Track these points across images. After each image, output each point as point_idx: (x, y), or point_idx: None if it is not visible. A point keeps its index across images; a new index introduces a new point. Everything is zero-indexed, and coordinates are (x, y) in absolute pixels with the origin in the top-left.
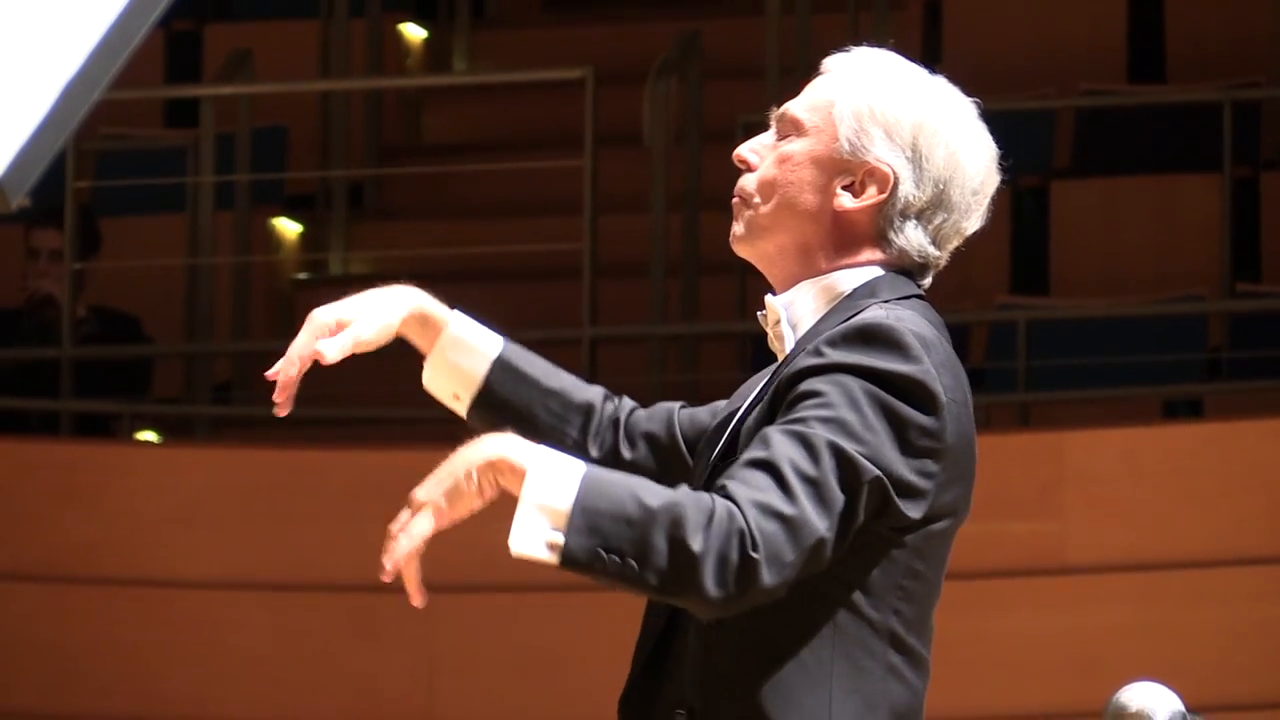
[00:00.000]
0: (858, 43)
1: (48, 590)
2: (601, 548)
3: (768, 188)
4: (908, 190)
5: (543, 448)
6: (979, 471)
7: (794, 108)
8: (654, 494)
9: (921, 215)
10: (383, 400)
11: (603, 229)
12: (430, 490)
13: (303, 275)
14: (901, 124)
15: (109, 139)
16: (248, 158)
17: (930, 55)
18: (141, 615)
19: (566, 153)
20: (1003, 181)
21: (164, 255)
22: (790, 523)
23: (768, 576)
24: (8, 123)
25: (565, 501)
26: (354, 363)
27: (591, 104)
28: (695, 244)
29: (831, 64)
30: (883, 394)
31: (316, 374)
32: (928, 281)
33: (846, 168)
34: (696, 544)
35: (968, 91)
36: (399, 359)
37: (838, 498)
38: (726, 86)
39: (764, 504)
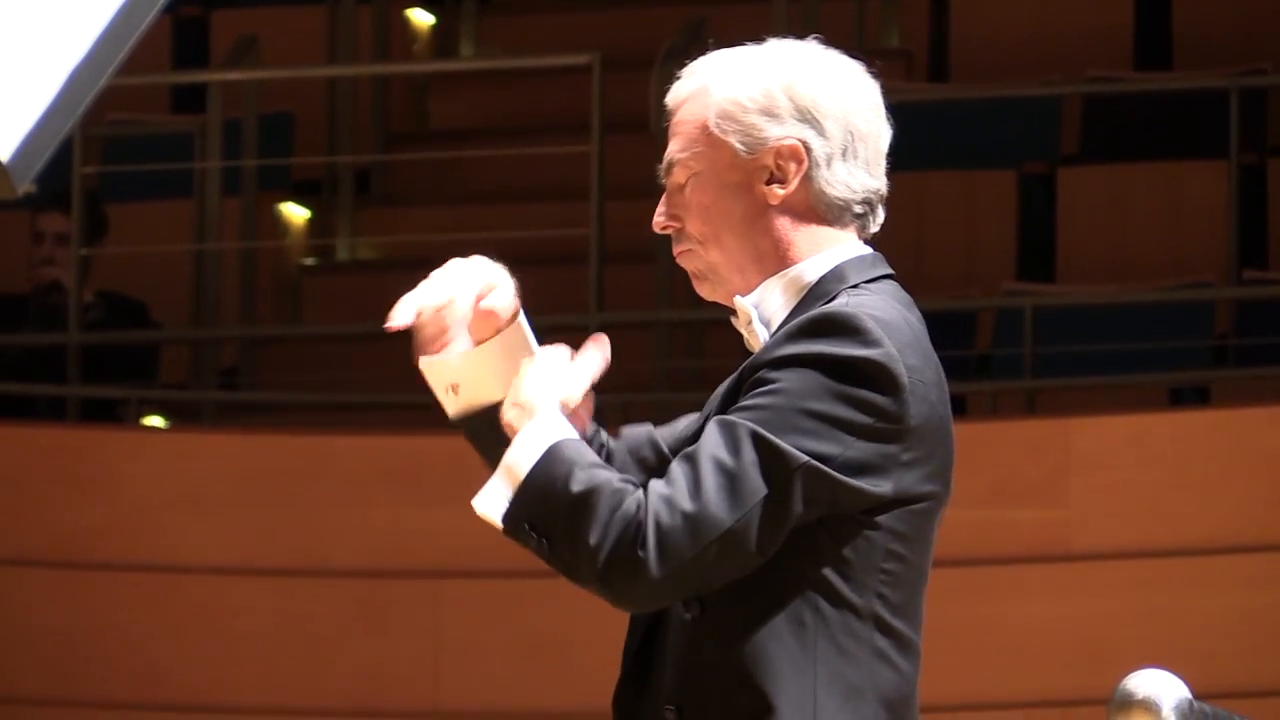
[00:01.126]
0: (865, 28)
1: (54, 575)
2: (526, 521)
3: (703, 228)
4: (820, 146)
5: (549, 404)
6: (985, 458)
7: (676, 154)
8: (586, 479)
9: (845, 156)
10: (389, 385)
11: (610, 214)
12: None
13: (309, 261)
14: (772, 95)
15: (116, 124)
16: (255, 143)
17: (937, 41)
18: (147, 600)
19: (573, 138)
20: (1009, 168)
21: (171, 241)
22: (690, 518)
23: (657, 569)
24: (14, 108)
25: (525, 469)
26: (360, 347)
27: (598, 89)
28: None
29: (675, 97)
30: (837, 379)
31: (323, 359)
32: (879, 219)
33: (757, 164)
34: (593, 537)
35: (975, 79)
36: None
37: (756, 489)
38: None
39: (669, 498)
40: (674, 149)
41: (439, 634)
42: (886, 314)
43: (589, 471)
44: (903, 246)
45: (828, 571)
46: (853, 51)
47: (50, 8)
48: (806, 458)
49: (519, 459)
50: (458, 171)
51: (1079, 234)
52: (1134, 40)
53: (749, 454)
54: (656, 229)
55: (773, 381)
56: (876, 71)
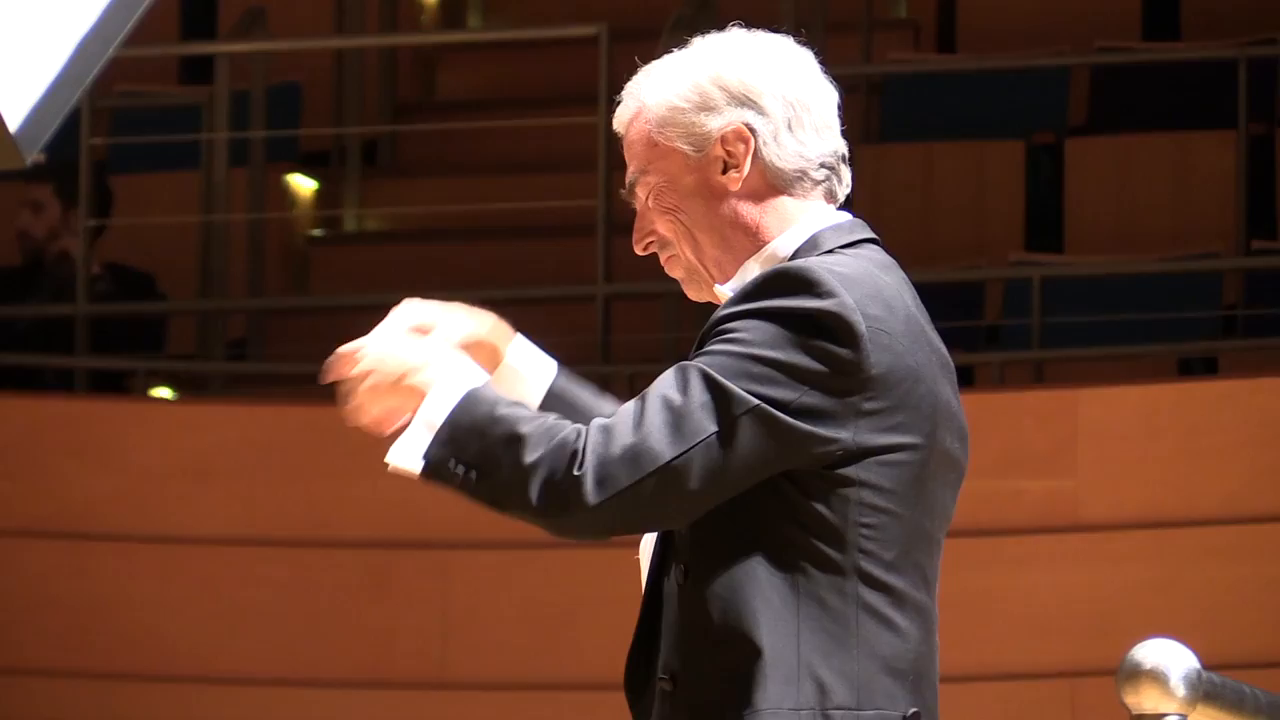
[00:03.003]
0: (871, 9)
1: (62, 546)
2: (453, 457)
3: (678, 234)
4: (762, 124)
5: (456, 364)
6: (993, 429)
7: (632, 175)
8: (517, 416)
9: (791, 127)
10: None
11: (616, 186)
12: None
13: (317, 232)
14: (702, 89)
15: (124, 96)
16: (262, 115)
17: (945, 15)
18: (154, 571)
19: (581, 109)
20: (1017, 138)
21: (178, 212)
22: (630, 448)
23: (593, 495)
24: (22, 79)
25: (441, 417)
26: (367, 318)
27: (606, 61)
28: None
29: (618, 121)
30: (790, 329)
31: (330, 330)
32: (845, 181)
33: (708, 159)
34: (528, 458)
35: (983, 49)
36: None
37: (702, 427)
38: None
39: (609, 429)
40: (631, 171)
41: (446, 605)
42: (848, 269)
43: (514, 407)
44: (910, 217)
45: (804, 529)
46: (860, 23)
47: None
48: (757, 401)
49: (434, 406)
50: (465, 142)
51: (1087, 204)
52: (1142, 10)
53: (698, 394)
54: (638, 252)
55: (728, 332)
56: (805, 40)
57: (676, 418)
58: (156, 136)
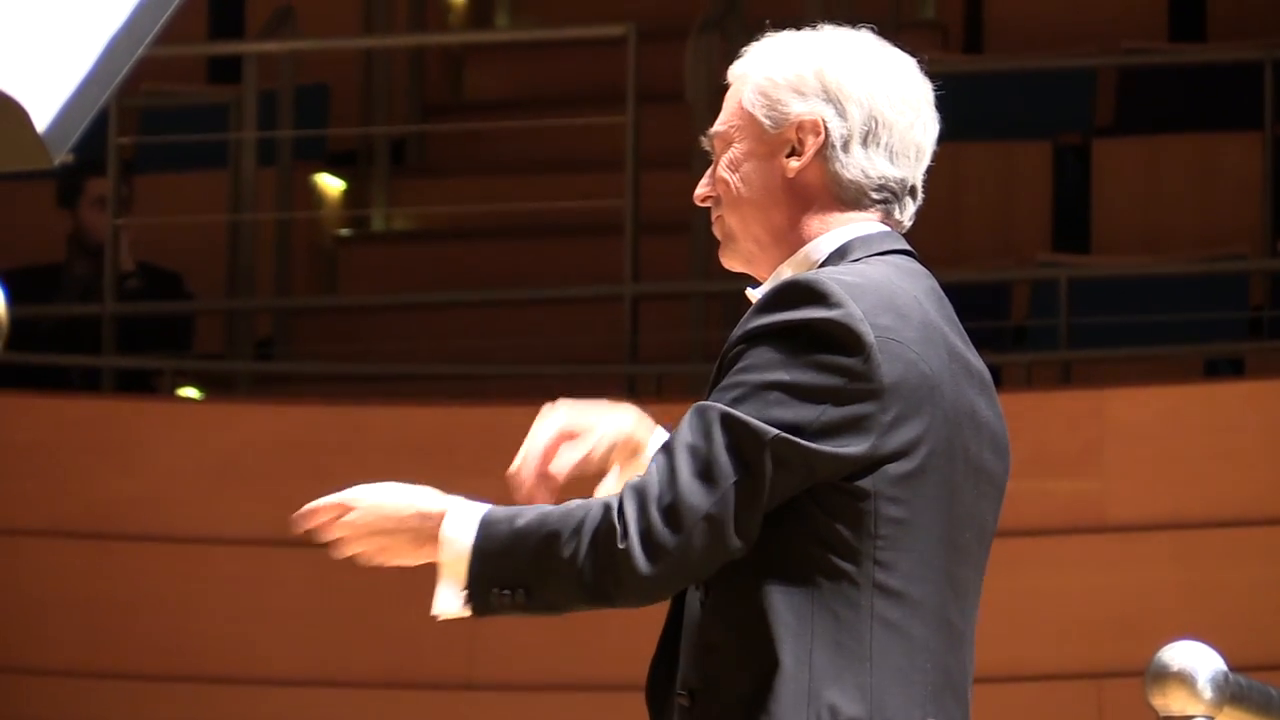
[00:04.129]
0: (899, 8)
1: (87, 546)
2: (495, 586)
3: (727, 194)
4: (838, 126)
5: (453, 503)
6: (1020, 429)
7: (715, 128)
8: (539, 520)
9: (865, 141)
10: (423, 356)
11: (644, 185)
12: (367, 520)
13: (345, 231)
14: (803, 75)
15: (152, 95)
16: (290, 114)
17: (972, 15)
18: (181, 572)
19: (608, 109)
20: (1044, 139)
21: (206, 211)
22: (669, 508)
23: (645, 565)
24: (51, 79)
25: (465, 551)
26: (394, 318)
27: (634, 60)
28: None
29: (729, 75)
30: (799, 346)
31: (357, 330)
32: (909, 211)
33: (781, 139)
34: (566, 553)
35: (1010, 50)
36: (438, 316)
37: (729, 470)
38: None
39: (643, 493)
40: (718, 122)
41: None
42: (860, 279)
43: (531, 513)
44: (938, 218)
45: (820, 544)
46: (888, 24)
47: None
48: (776, 430)
49: (454, 550)
50: (493, 142)
51: (1114, 205)
52: (1168, 12)
53: (720, 436)
54: (696, 200)
55: (742, 359)
56: (924, 65)
57: (704, 466)
58: (184, 136)
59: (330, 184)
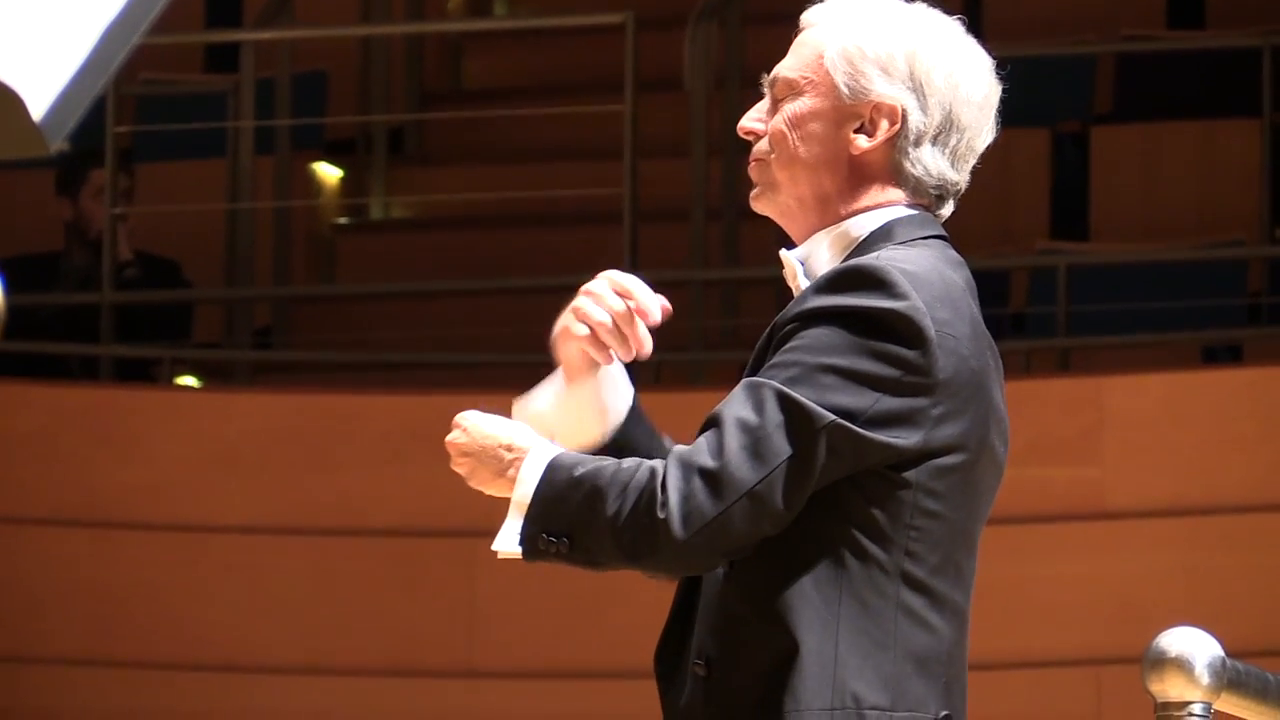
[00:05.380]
0: None
1: (88, 535)
2: (544, 532)
3: (782, 147)
4: (917, 119)
5: (536, 444)
6: (1019, 417)
7: (785, 70)
8: (591, 468)
9: (936, 140)
10: (423, 344)
11: (643, 173)
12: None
13: (343, 220)
14: (895, 56)
15: (149, 84)
16: (288, 102)
17: (971, 3)
18: (181, 560)
19: (607, 97)
20: (1043, 126)
21: (204, 200)
22: (711, 477)
23: (681, 533)
24: (47, 67)
25: (528, 495)
26: (393, 306)
27: (632, 48)
28: (735, 188)
29: (810, 17)
30: (861, 333)
31: (356, 318)
32: (949, 209)
33: (854, 112)
34: (610, 510)
35: (1009, 37)
36: (437, 305)
37: (780, 449)
38: (767, 31)
39: (688, 462)
40: (786, 64)
41: (473, 593)
42: (918, 268)
43: (591, 464)
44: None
45: (854, 526)
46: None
47: None
48: (832, 415)
49: (522, 490)
50: (491, 131)
51: (1112, 192)
52: None
53: (774, 414)
54: (740, 132)
55: (798, 337)
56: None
57: (754, 441)
58: (182, 124)
59: (328, 172)
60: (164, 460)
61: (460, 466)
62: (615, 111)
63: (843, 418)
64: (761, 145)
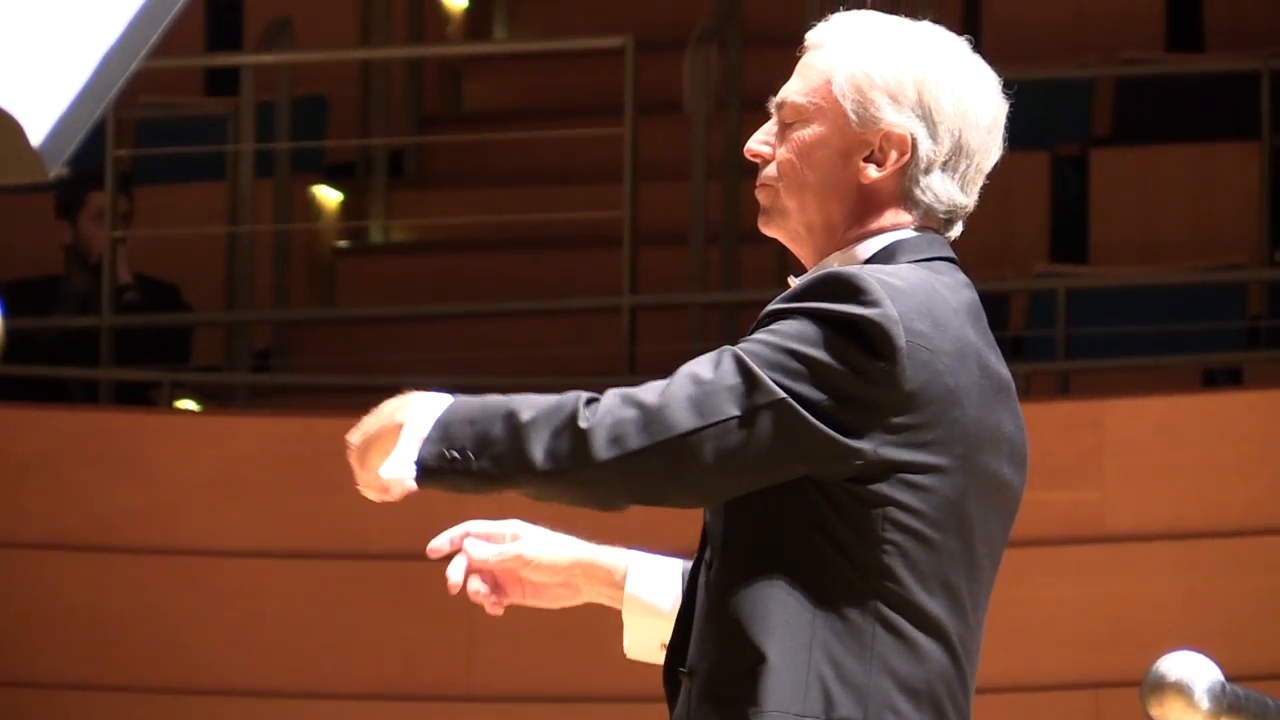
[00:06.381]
0: (898, 9)
1: (86, 559)
2: (445, 449)
3: (791, 175)
4: (926, 147)
5: (431, 394)
6: None
7: (792, 95)
8: (510, 398)
9: (945, 167)
10: (422, 368)
11: (643, 197)
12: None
13: (343, 243)
14: (903, 84)
15: (149, 107)
16: (288, 126)
17: (970, 24)
18: (180, 584)
19: (607, 120)
20: (1042, 150)
21: (204, 223)
22: (646, 411)
23: (602, 450)
24: (47, 90)
25: (428, 426)
26: (393, 329)
27: (632, 71)
28: (735, 211)
29: (816, 38)
30: (828, 332)
31: (356, 341)
32: (957, 230)
33: (862, 140)
34: (525, 418)
35: (1007, 60)
36: (437, 328)
37: (724, 408)
38: (767, 54)
39: (629, 394)
40: (793, 88)
41: (474, 617)
42: (903, 281)
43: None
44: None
45: (830, 540)
46: None
47: None
48: (784, 394)
49: (418, 421)
50: (491, 154)
51: (1112, 216)
52: (1166, 22)
53: (728, 376)
54: (747, 154)
55: (767, 330)
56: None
57: (700, 394)
58: (182, 148)
59: (328, 195)
60: (163, 483)
61: (357, 460)
62: (615, 134)
63: (796, 401)
64: (769, 171)
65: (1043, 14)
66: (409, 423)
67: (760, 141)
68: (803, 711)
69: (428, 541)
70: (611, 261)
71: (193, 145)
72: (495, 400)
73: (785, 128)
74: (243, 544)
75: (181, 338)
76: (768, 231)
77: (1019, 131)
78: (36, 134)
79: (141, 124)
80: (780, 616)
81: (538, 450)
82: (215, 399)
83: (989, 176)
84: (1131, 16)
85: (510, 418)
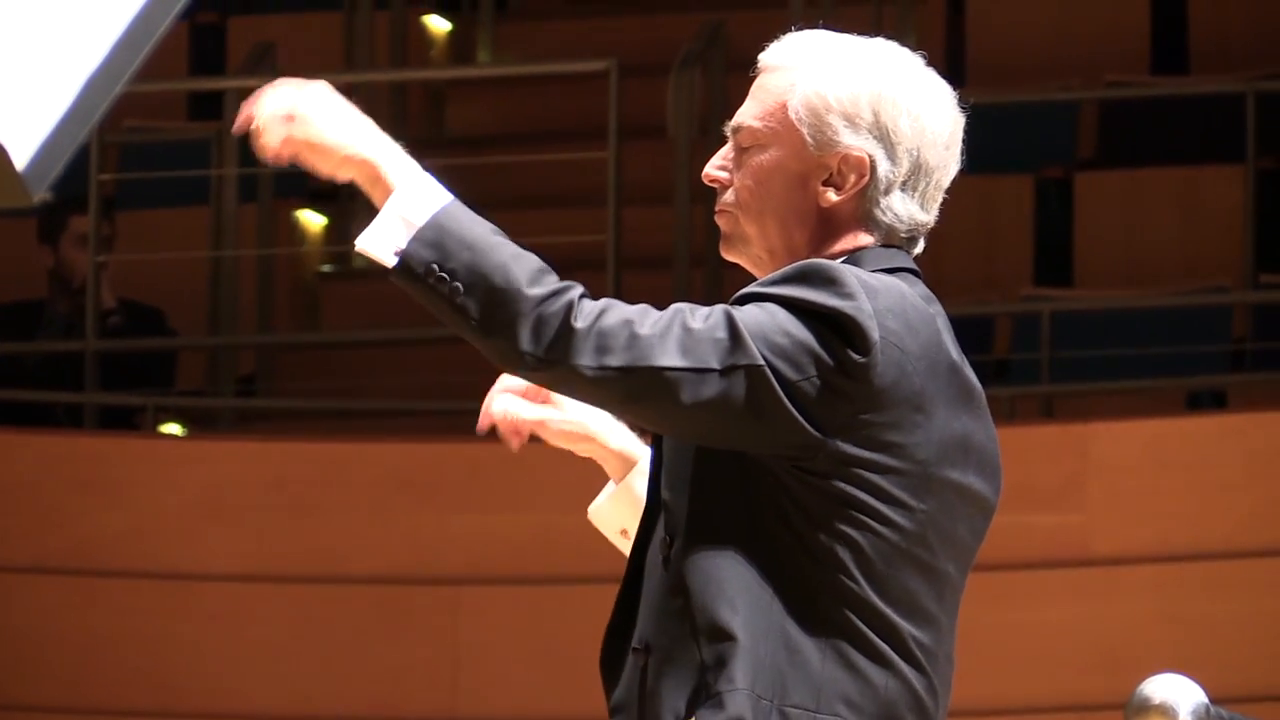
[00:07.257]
0: (880, 32)
1: (71, 583)
2: (437, 263)
3: (749, 202)
4: (885, 169)
5: (415, 166)
6: (1003, 463)
7: (748, 119)
8: (511, 243)
9: (905, 186)
10: (408, 392)
11: (626, 221)
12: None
13: (327, 268)
14: (859, 106)
15: (133, 131)
16: None
17: (953, 46)
18: (165, 608)
19: (590, 144)
20: (1026, 172)
21: (188, 248)
22: (634, 335)
23: (582, 356)
24: (30, 115)
25: (422, 217)
26: (378, 354)
27: (615, 96)
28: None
29: (769, 59)
30: (806, 321)
31: (340, 366)
32: (919, 247)
33: (820, 164)
34: (528, 290)
35: (992, 83)
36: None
37: (705, 358)
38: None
39: (626, 314)
40: (748, 111)
41: (457, 642)
42: (877, 281)
43: (515, 247)
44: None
45: (790, 531)
46: None
47: (66, 14)
48: (763, 363)
49: (410, 210)
50: (474, 178)
51: (1096, 239)
52: (1151, 45)
53: (718, 330)
54: (705, 180)
55: (751, 302)
56: (967, 107)
57: (687, 338)
58: (166, 172)
59: (312, 220)
60: (147, 508)
61: (296, 152)
62: (598, 158)
63: (771, 373)
64: (727, 197)
65: (1027, 37)
66: (397, 189)
67: (717, 167)
68: (759, 692)
69: (410, 566)
70: (595, 285)
71: (176, 169)
72: (495, 237)
73: (742, 152)
74: (226, 568)
75: (165, 362)
76: (729, 257)
77: (1003, 155)
78: (21, 158)
79: (125, 148)
80: (745, 599)
81: (525, 328)
82: (199, 423)
83: (972, 199)
84: (1116, 39)
85: (510, 275)
